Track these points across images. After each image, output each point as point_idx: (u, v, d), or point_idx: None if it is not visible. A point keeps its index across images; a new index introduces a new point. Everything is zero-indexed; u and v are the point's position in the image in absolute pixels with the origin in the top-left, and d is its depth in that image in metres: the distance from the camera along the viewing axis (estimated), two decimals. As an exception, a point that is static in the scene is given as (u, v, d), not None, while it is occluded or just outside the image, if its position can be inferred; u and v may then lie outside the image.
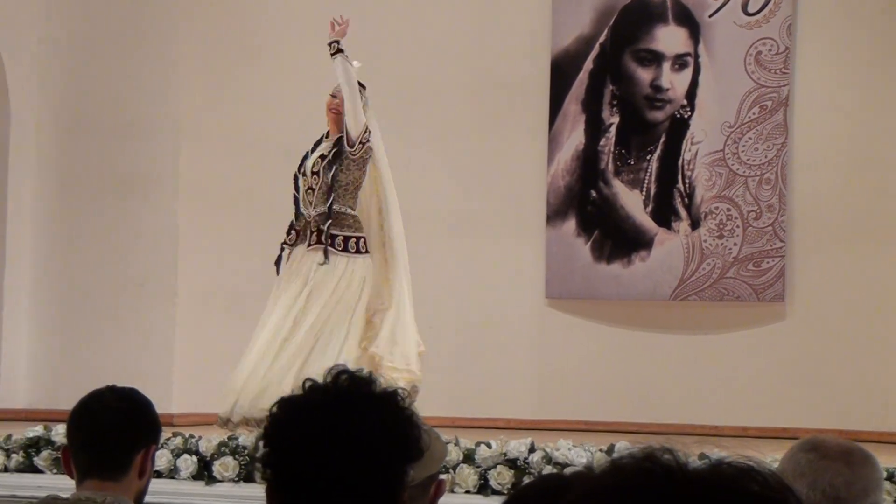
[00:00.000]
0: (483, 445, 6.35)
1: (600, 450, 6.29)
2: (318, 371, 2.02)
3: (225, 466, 6.30)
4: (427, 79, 10.09)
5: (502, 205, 10.00)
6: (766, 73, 9.66)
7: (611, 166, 9.87)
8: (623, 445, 6.20)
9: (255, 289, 9.79)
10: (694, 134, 9.75)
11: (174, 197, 9.65)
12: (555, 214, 9.93)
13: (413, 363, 7.45)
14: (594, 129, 9.91)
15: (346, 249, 7.39)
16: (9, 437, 6.52)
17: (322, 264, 7.26)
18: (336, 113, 7.53)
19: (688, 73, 9.80)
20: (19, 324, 9.61)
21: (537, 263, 9.92)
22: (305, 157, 7.65)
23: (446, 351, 9.88)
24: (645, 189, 9.81)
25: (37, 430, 6.48)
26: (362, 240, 7.49)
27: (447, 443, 6.06)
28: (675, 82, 9.81)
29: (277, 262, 7.54)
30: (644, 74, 9.87)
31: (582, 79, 9.96)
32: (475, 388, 9.78)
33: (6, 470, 6.51)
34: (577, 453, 6.28)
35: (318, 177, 7.42)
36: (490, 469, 6.28)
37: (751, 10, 9.70)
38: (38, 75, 9.88)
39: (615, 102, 9.91)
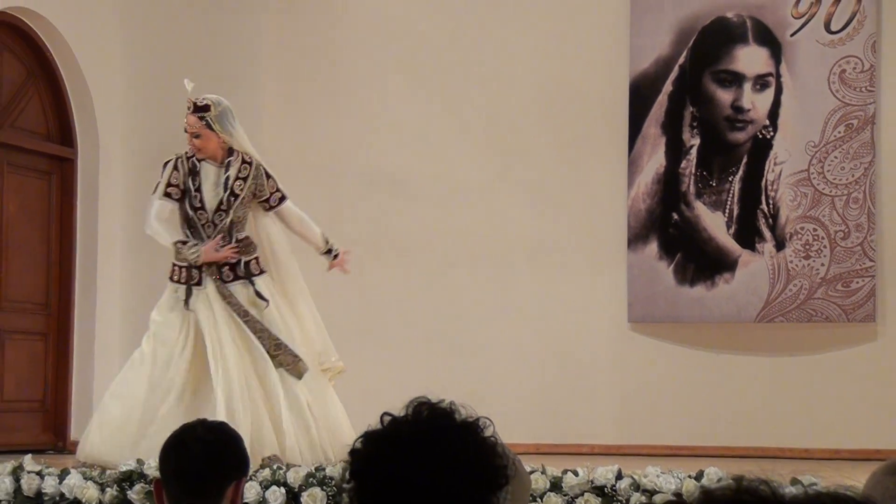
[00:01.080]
0: (570, 473, 6.28)
1: (689, 476, 6.19)
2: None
3: (313, 498, 6.29)
4: (503, 102, 10.07)
5: (581, 228, 9.95)
6: (850, 92, 9.54)
7: (692, 188, 9.79)
8: (713, 471, 6.11)
9: (343, 319, 9.82)
10: (777, 154, 9.65)
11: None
12: (636, 238, 9.86)
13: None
14: (675, 151, 9.84)
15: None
16: (103, 471, 6.56)
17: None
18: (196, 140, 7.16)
19: (769, 93, 9.70)
20: (111, 356, 9.69)
21: (618, 287, 9.84)
22: (196, 188, 7.16)
23: (528, 377, 9.83)
24: (728, 210, 9.71)
25: (130, 464, 6.51)
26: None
27: (532, 471, 6.01)
28: (756, 103, 9.71)
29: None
30: (724, 95, 9.79)
31: (661, 101, 9.89)
32: (558, 414, 9.71)
33: (101, 504, 6.54)
34: (666, 480, 6.18)
35: (225, 214, 7.11)
36: (577, 497, 6.20)
37: (834, 28, 9.59)
38: (124, 110, 10.00)
39: (695, 124, 9.83)
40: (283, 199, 7.27)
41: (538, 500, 6.13)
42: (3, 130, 9.42)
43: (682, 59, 9.88)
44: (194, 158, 7.17)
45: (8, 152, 9.44)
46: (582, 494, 6.19)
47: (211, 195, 7.10)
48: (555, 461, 6.82)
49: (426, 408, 1.97)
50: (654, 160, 9.87)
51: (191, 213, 7.10)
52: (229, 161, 7.15)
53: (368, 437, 2.01)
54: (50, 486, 6.46)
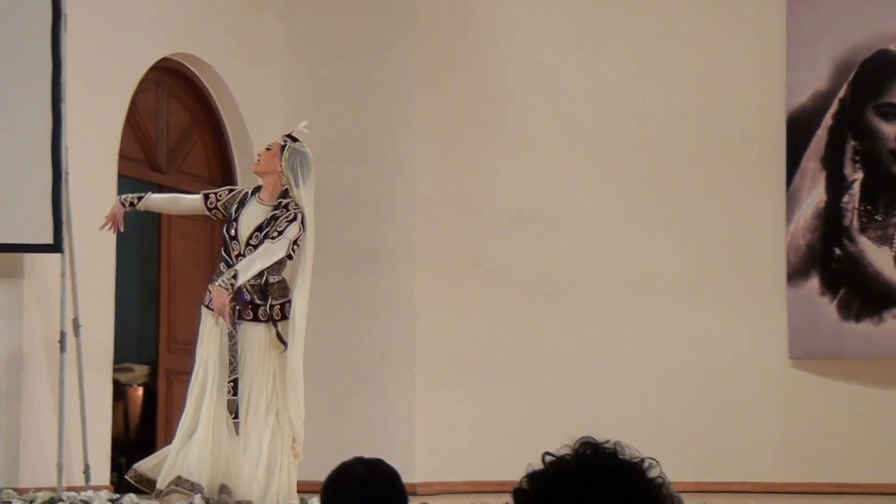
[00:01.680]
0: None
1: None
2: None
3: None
4: (652, 137, 10.02)
5: (735, 265, 9.83)
6: None
7: (856, 223, 9.60)
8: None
9: (492, 355, 9.85)
10: (945, 187, 9.45)
11: (412, 267, 9.77)
12: (795, 273, 9.70)
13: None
14: (836, 185, 9.67)
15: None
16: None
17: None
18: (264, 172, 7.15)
19: (935, 126, 9.51)
20: (266, 396, 9.81)
21: (778, 323, 9.69)
22: (235, 217, 7.13)
23: (686, 414, 9.72)
24: (895, 245, 9.50)
25: (293, 502, 6.58)
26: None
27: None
28: (922, 136, 9.54)
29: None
30: (889, 129, 9.61)
31: (821, 135, 9.73)
32: (715, 452, 9.57)
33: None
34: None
35: (253, 249, 6.99)
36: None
37: None
38: (280, 153, 10.16)
39: (858, 158, 9.65)
40: (275, 238, 7.00)
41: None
42: (169, 175, 9.66)
43: (842, 93, 9.72)
44: (250, 193, 7.18)
45: (174, 197, 9.66)
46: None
47: (245, 226, 7.05)
48: (715, 499, 6.72)
49: (590, 447, 1.95)
50: (814, 195, 9.71)
51: (227, 239, 7.11)
52: (280, 202, 7.09)
53: (533, 477, 1.99)
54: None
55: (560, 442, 2.02)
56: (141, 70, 9.08)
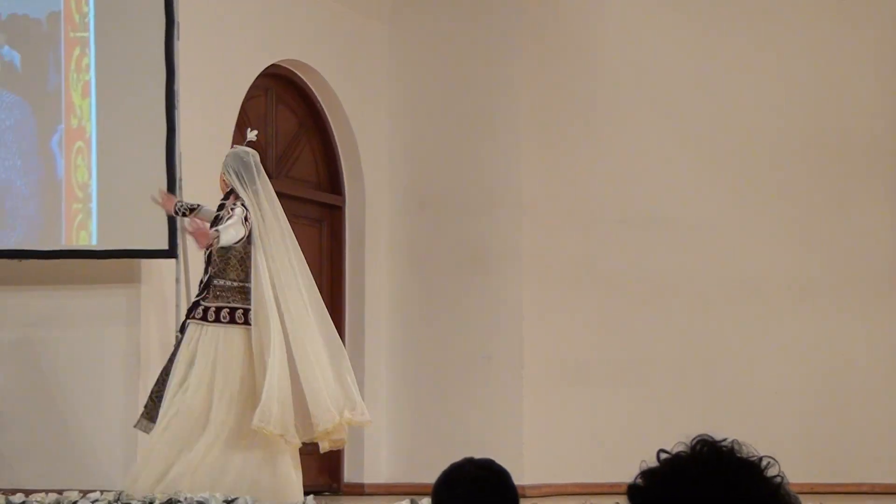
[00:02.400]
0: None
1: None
2: None
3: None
4: (763, 140, 9.94)
5: (852, 267, 9.72)
6: None
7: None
8: None
9: (599, 357, 9.83)
10: None
11: (518, 270, 9.78)
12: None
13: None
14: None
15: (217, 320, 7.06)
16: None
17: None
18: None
19: None
20: (379, 399, 9.90)
21: (894, 326, 9.58)
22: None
23: (802, 417, 9.63)
24: None
25: (403, 502, 6.63)
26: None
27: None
28: None
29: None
30: None
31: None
32: (835, 453, 9.47)
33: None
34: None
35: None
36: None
37: None
38: (389, 156, 10.25)
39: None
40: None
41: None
42: (278, 180, 9.77)
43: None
44: None
45: (282, 201, 9.76)
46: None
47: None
48: (835, 500, 6.64)
49: (707, 444, 1.96)
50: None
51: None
52: (222, 203, 7.25)
53: (648, 474, 2.00)
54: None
55: (669, 444, 2.02)
56: (251, 77, 9.20)
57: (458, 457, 3.22)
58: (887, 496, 7.62)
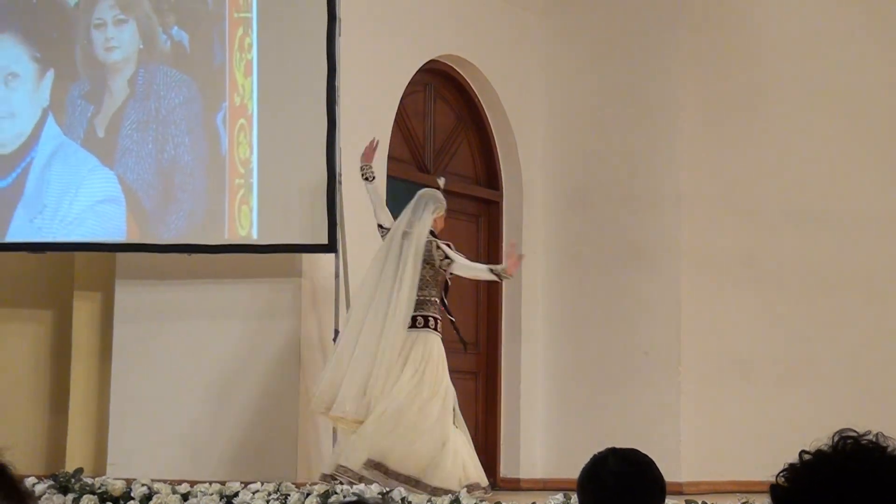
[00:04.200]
0: None
1: None
2: None
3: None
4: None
5: None
6: None
7: None
8: None
9: (761, 353, 9.69)
10: None
11: (677, 265, 9.69)
12: None
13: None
14: None
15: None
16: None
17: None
18: None
19: None
20: (536, 395, 9.91)
21: None
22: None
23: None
24: None
25: (557, 496, 6.65)
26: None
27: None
28: None
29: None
30: None
31: None
32: None
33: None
34: None
35: None
36: None
37: None
38: (545, 151, 10.24)
39: None
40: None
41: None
42: (436, 176, 9.84)
43: None
44: None
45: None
46: None
47: None
48: None
49: (850, 439, 1.92)
50: None
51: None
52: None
53: (791, 471, 1.98)
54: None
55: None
56: (410, 72, 9.28)
57: (613, 451, 3.20)
58: None
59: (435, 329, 7.69)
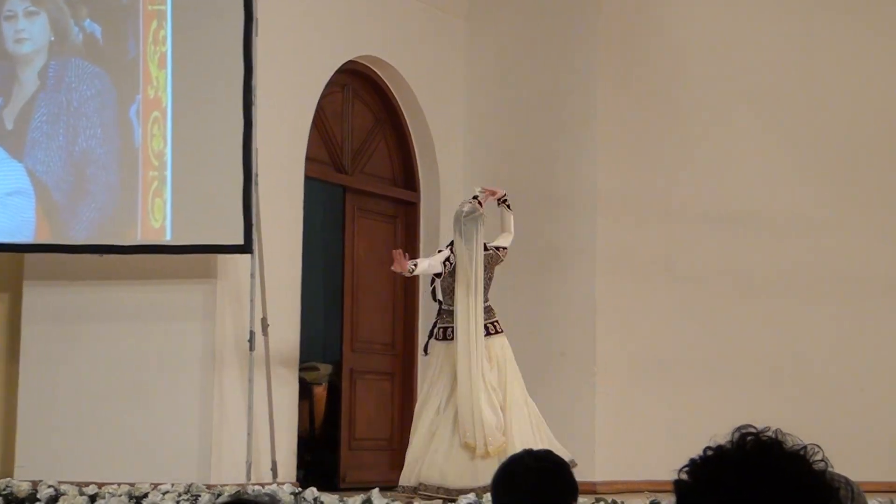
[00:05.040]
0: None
1: None
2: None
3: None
4: (853, 134, 9.89)
5: None
6: None
7: None
8: None
9: (677, 354, 9.77)
10: None
11: (593, 267, 9.74)
12: None
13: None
14: None
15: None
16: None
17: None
18: None
19: None
20: (449, 394, 9.90)
21: None
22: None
23: (885, 416, 9.53)
24: None
25: (469, 496, 6.66)
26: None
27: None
28: None
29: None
30: None
31: None
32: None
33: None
34: None
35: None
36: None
37: None
38: (464, 153, 10.26)
39: None
40: None
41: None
42: (353, 176, 9.83)
43: None
44: None
45: (357, 197, 9.84)
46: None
47: None
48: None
49: (750, 435, 1.93)
50: None
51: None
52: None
53: (693, 466, 1.99)
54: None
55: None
56: (328, 73, 9.25)
57: (534, 453, 3.23)
58: None
59: (499, 332, 8.13)
